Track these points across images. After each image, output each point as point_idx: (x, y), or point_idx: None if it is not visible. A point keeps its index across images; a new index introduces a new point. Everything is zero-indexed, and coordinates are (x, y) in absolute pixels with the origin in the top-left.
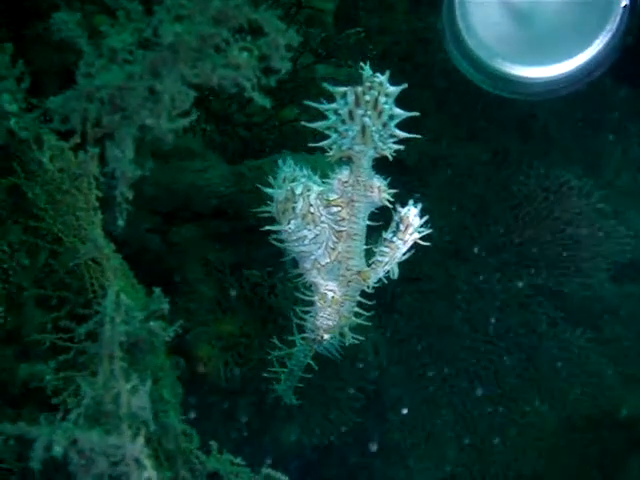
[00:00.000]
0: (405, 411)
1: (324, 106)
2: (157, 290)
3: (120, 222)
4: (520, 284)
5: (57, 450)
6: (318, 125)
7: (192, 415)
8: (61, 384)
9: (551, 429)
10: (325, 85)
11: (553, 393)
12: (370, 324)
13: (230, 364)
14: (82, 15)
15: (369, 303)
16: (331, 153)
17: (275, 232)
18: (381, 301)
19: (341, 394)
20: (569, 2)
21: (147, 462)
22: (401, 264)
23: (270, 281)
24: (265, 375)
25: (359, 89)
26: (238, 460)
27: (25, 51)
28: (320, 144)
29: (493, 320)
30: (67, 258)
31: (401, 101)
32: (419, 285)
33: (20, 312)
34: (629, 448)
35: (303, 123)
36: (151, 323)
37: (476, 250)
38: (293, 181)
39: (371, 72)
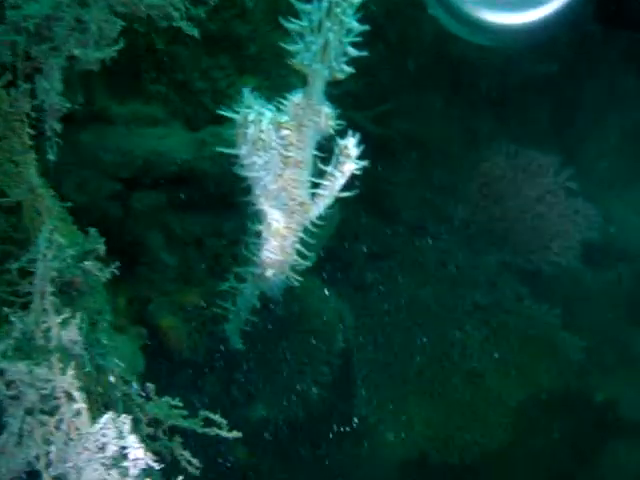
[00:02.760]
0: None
1: (301, 5)
2: (92, 230)
3: (50, 156)
4: (488, 261)
5: None
6: (291, 26)
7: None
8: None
9: (517, 406)
10: None
11: (520, 369)
12: (310, 265)
13: (193, 335)
14: None
15: (311, 242)
16: (293, 61)
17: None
18: (349, 277)
19: (307, 368)
20: None
21: (77, 394)
22: (369, 240)
23: (233, 250)
24: (216, 310)
25: None
26: (176, 402)
27: None
28: (287, 47)
29: (461, 296)
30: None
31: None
32: (387, 261)
33: None
34: (604, 433)
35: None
36: (86, 263)
37: (444, 227)
38: (248, 108)
39: None
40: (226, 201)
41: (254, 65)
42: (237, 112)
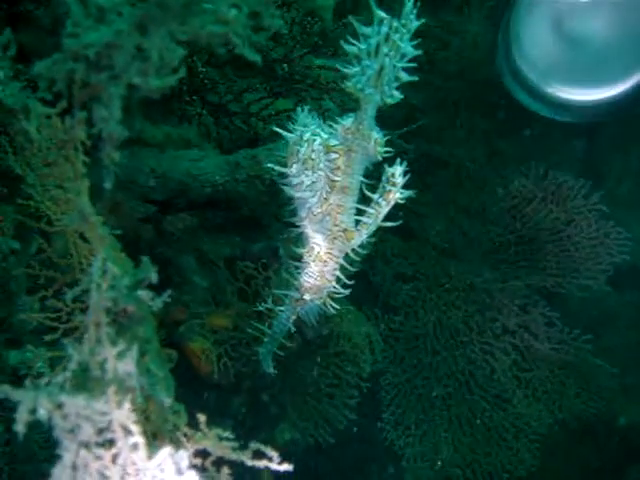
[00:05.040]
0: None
1: (361, 27)
2: (145, 258)
3: (107, 184)
4: (517, 284)
5: (42, 413)
6: (350, 49)
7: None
8: (47, 368)
9: (546, 431)
10: (371, 1)
11: (549, 394)
12: (347, 292)
13: (223, 358)
14: None
15: (351, 268)
16: (348, 84)
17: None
18: (377, 299)
19: (335, 391)
20: (621, 25)
21: (134, 428)
22: (398, 262)
23: (265, 273)
24: (250, 331)
25: (395, 23)
26: (227, 434)
27: (14, 31)
28: (345, 70)
29: (489, 320)
30: (55, 237)
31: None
32: (415, 284)
33: (10, 300)
34: (627, 458)
35: (341, 42)
36: (139, 291)
37: (473, 249)
38: (305, 127)
39: (412, 6)
40: (259, 223)
41: (287, 88)
42: (291, 131)
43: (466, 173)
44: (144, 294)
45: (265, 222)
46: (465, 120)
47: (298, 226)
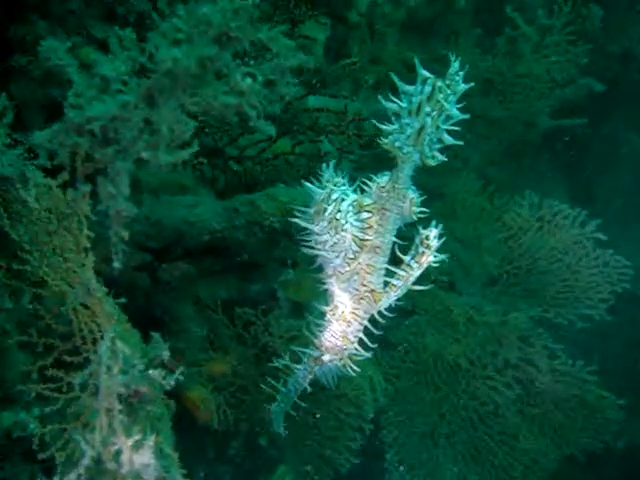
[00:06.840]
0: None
1: (403, 85)
2: (156, 335)
3: (116, 264)
4: (517, 316)
5: None
6: (390, 106)
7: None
8: (48, 436)
9: (554, 467)
10: (416, 60)
11: (555, 429)
12: (370, 355)
13: (222, 406)
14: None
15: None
16: (385, 141)
17: (303, 233)
18: (375, 334)
19: (337, 434)
20: None
21: None
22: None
23: (264, 319)
24: (263, 387)
25: (439, 83)
26: None
27: (6, 84)
28: (382, 127)
29: (491, 353)
30: (53, 302)
31: None
32: (414, 318)
33: (2, 357)
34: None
35: (380, 99)
36: (150, 371)
37: (471, 281)
38: (335, 185)
39: (458, 67)
40: (255, 264)
41: (284, 131)
42: (321, 187)
43: (461, 204)
44: (156, 374)
45: (261, 262)
46: (459, 151)
47: (324, 283)
